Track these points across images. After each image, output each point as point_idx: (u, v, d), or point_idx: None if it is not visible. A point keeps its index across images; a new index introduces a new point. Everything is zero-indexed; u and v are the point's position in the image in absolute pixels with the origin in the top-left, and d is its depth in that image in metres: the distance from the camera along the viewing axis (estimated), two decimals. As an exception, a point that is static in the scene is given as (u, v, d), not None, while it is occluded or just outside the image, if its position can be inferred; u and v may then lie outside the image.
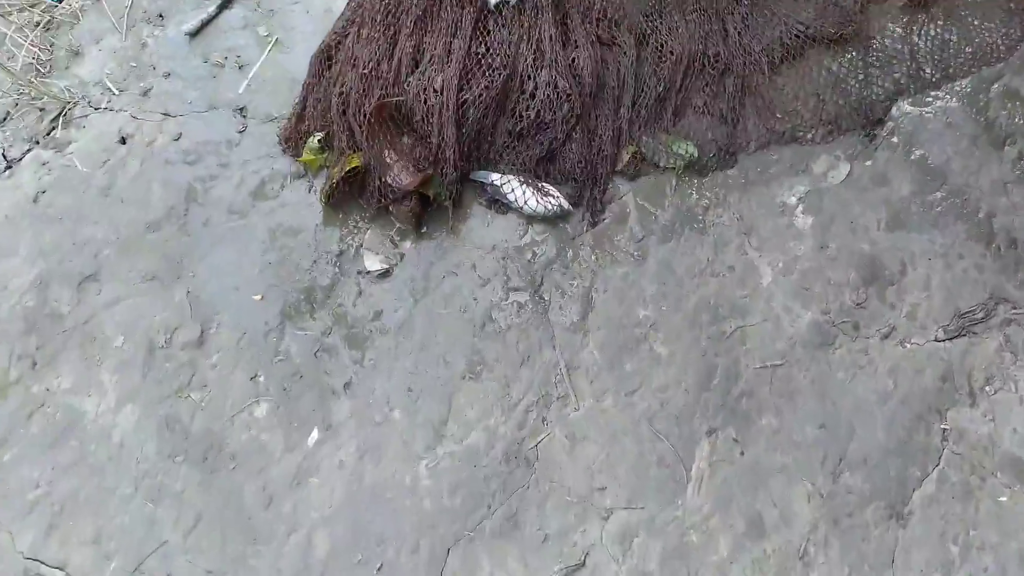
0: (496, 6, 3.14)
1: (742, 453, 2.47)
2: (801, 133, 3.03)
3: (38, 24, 3.61)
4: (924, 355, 2.58)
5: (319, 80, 3.18)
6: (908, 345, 2.60)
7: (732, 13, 3.20)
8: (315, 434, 2.57)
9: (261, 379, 2.66)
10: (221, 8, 3.56)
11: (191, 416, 2.61)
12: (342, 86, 3.02)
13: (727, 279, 2.76)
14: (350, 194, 2.96)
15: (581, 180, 2.99)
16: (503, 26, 3.15)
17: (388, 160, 2.84)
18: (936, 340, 2.60)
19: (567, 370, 2.63)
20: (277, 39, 3.45)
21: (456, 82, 2.91)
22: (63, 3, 3.70)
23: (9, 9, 3.61)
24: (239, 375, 2.67)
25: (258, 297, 2.80)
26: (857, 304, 2.68)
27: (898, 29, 3.19)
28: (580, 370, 2.63)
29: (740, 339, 2.65)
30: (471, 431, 2.55)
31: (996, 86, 3.05)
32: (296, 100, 3.20)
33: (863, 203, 2.86)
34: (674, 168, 2.97)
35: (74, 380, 2.69)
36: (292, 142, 3.12)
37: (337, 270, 2.85)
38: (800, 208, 2.87)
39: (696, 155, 2.97)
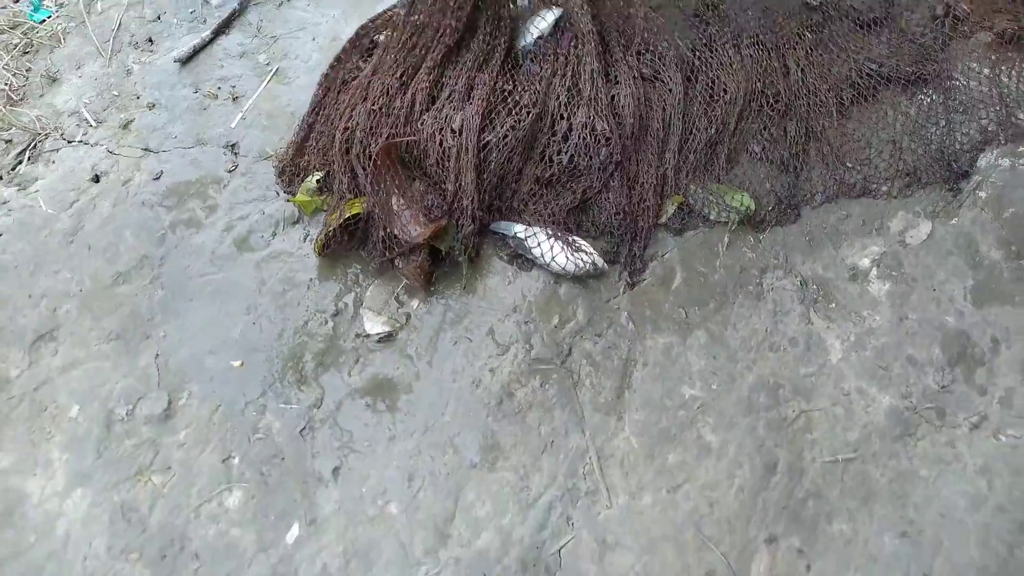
0: (527, 47, 3.00)
1: (808, 567, 2.20)
2: (875, 186, 2.82)
3: (15, 47, 3.50)
4: (1023, 451, 2.31)
5: (328, 108, 3.02)
6: (1003, 438, 2.34)
7: (794, 48, 3.03)
8: (295, 530, 2.32)
9: (235, 461, 2.43)
10: (217, 33, 3.44)
11: (151, 505, 2.37)
12: (349, 120, 2.85)
13: (789, 354, 2.52)
14: (349, 245, 2.78)
15: (618, 234, 2.78)
16: (533, 60, 3.00)
17: (395, 208, 2.65)
18: (1037, 433, 2.35)
19: (598, 460, 2.38)
20: (278, 69, 3.32)
21: (478, 121, 2.74)
22: (44, 24, 3.59)
23: (-15, 31, 3.51)
24: (210, 456, 2.44)
25: (237, 364, 2.59)
26: (942, 387, 2.43)
27: (985, 69, 3.01)
28: (613, 460, 2.38)
29: (805, 427, 2.40)
30: (481, 532, 2.29)
31: (1101, 134, 2.84)
32: (298, 127, 3.04)
33: (947, 268, 2.64)
34: (727, 223, 2.76)
35: (17, 456, 2.47)
36: (288, 177, 2.96)
37: (332, 332, 2.64)
38: (874, 272, 2.65)
39: (752, 208, 2.76)
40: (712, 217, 2.79)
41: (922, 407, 2.40)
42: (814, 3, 3.25)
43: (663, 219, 2.81)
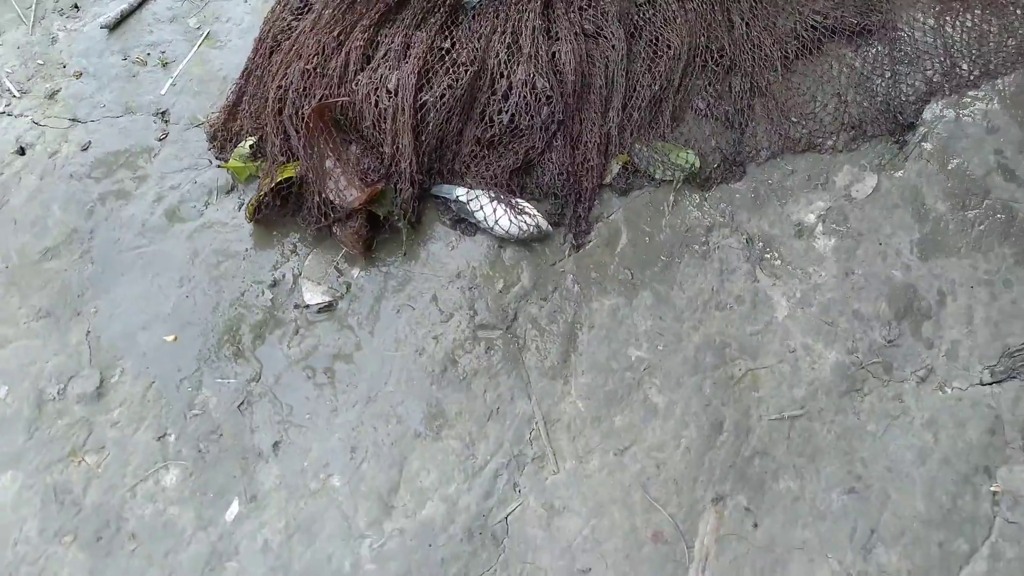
0: (475, 4, 2.93)
1: (755, 525, 2.19)
2: (820, 139, 2.80)
3: (-68, 16, 3.34)
4: (968, 402, 2.33)
5: (261, 70, 2.92)
6: (949, 390, 2.35)
7: (739, 1, 2.96)
8: (235, 507, 2.27)
9: (171, 439, 2.37)
10: (145, -3, 3.31)
11: (84, 485, 2.30)
12: (283, 79, 2.76)
13: (735, 313, 2.50)
14: (283, 211, 2.70)
15: (563, 195, 2.73)
16: (474, 17, 2.92)
17: (330, 172, 2.57)
18: (982, 384, 2.35)
19: (545, 425, 2.35)
20: (209, 32, 3.21)
21: (414, 81, 2.66)
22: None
23: None
24: (144, 434, 2.38)
25: (171, 338, 2.51)
26: (889, 342, 2.43)
27: (929, 20, 2.98)
28: (560, 424, 2.36)
29: (751, 385, 2.38)
30: (426, 501, 2.26)
31: (1045, 84, 2.84)
32: (231, 90, 2.95)
33: (893, 222, 2.62)
34: (672, 181, 2.72)
35: (-57, 441, 2.39)
36: (220, 142, 2.87)
37: (270, 304, 2.57)
38: (820, 228, 2.63)
39: (698, 165, 2.72)
40: (657, 176, 2.74)
41: (868, 362, 2.40)
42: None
43: (608, 179, 2.76)
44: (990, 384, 2.35)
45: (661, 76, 2.84)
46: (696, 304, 2.52)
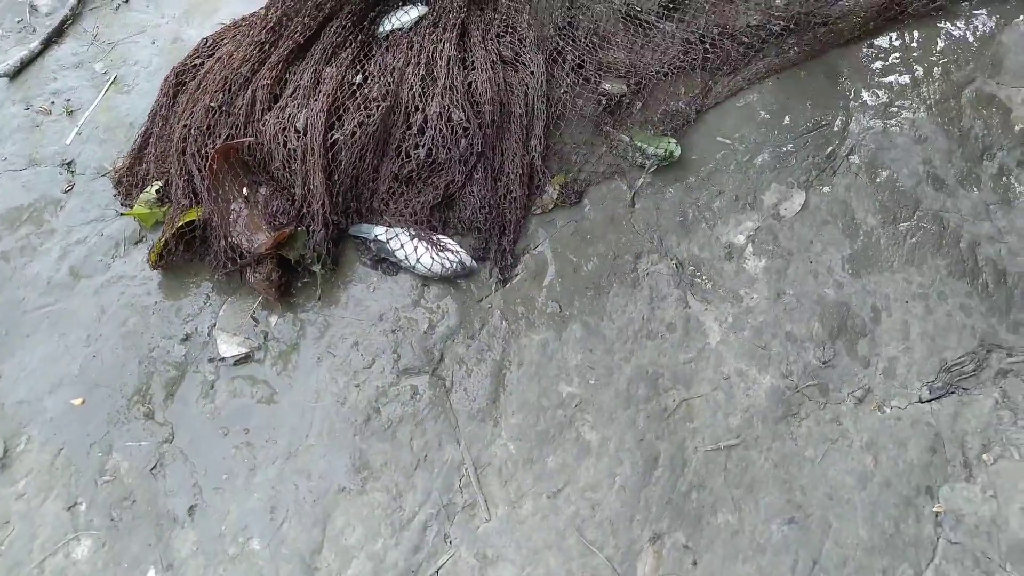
0: (387, 35, 2.87)
1: (695, 563, 2.13)
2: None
3: None
4: (907, 421, 2.30)
5: (166, 110, 2.84)
6: (887, 410, 2.32)
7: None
8: (150, 577, 2.16)
9: (82, 508, 2.25)
10: (48, 43, 3.22)
11: (-14, 566, 2.19)
12: (188, 118, 2.67)
13: (667, 341, 2.45)
14: (188, 256, 2.62)
15: (486, 229, 2.66)
16: (387, 49, 2.86)
17: (237, 215, 2.49)
18: (920, 401, 2.33)
19: (475, 470, 2.28)
20: (116, 77, 3.12)
21: (324, 119, 2.59)
22: None
23: None
24: (53, 504, 2.26)
25: (78, 401, 2.41)
26: (824, 363, 2.39)
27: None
28: (491, 469, 2.28)
29: (686, 415, 2.33)
30: (352, 560, 2.16)
31: (967, 91, 2.84)
32: (137, 134, 2.86)
33: (823, 239, 2.60)
34: (642, 167, 2.78)
35: None
36: (125, 188, 2.78)
37: (183, 359, 2.48)
38: (750, 249, 2.60)
39: (677, 154, 2.75)
40: (638, 162, 2.78)
41: (804, 385, 2.36)
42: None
43: (550, 206, 2.70)
44: (929, 401, 2.32)
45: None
46: (627, 334, 2.47)
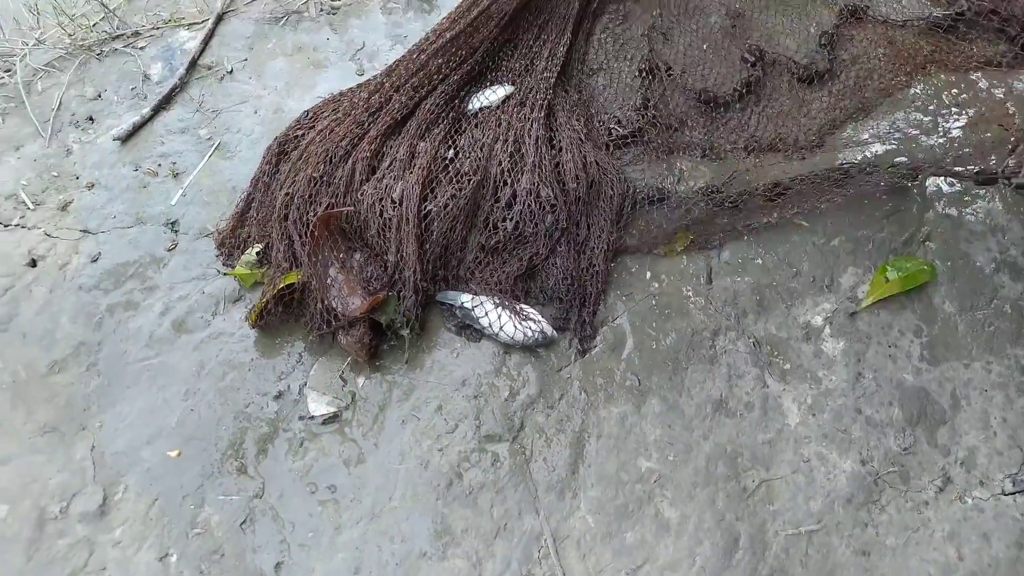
0: (476, 112, 2.93)
1: (775, 648, 2.05)
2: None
3: (-45, 130, 3.35)
4: (990, 513, 2.20)
5: (269, 177, 2.89)
6: (969, 500, 2.22)
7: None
8: (235, 634, 2.14)
9: (173, 559, 2.24)
10: (158, 109, 3.31)
11: (83, 611, 2.18)
12: (290, 186, 2.73)
13: (745, 420, 2.39)
14: (285, 317, 2.63)
15: (567, 300, 2.64)
16: (476, 125, 2.90)
17: (334, 279, 2.51)
18: (1004, 493, 2.22)
19: (554, 542, 2.22)
20: (219, 143, 3.19)
21: (418, 191, 2.61)
22: (-16, 106, 3.45)
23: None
24: (147, 554, 2.25)
25: (174, 453, 2.41)
26: (904, 449, 2.31)
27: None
28: (570, 541, 2.22)
29: (766, 497, 2.26)
30: (433, 626, 2.12)
31: (1043, 181, 2.78)
32: (240, 198, 2.91)
33: (901, 323, 2.54)
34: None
35: (-62, 567, 2.27)
36: (227, 249, 2.81)
37: (274, 416, 2.47)
38: (828, 330, 2.54)
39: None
40: None
41: (884, 471, 2.27)
42: (751, 58, 3.20)
43: (679, 248, 2.75)
44: (1012, 494, 2.22)
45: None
46: (705, 411, 2.41)
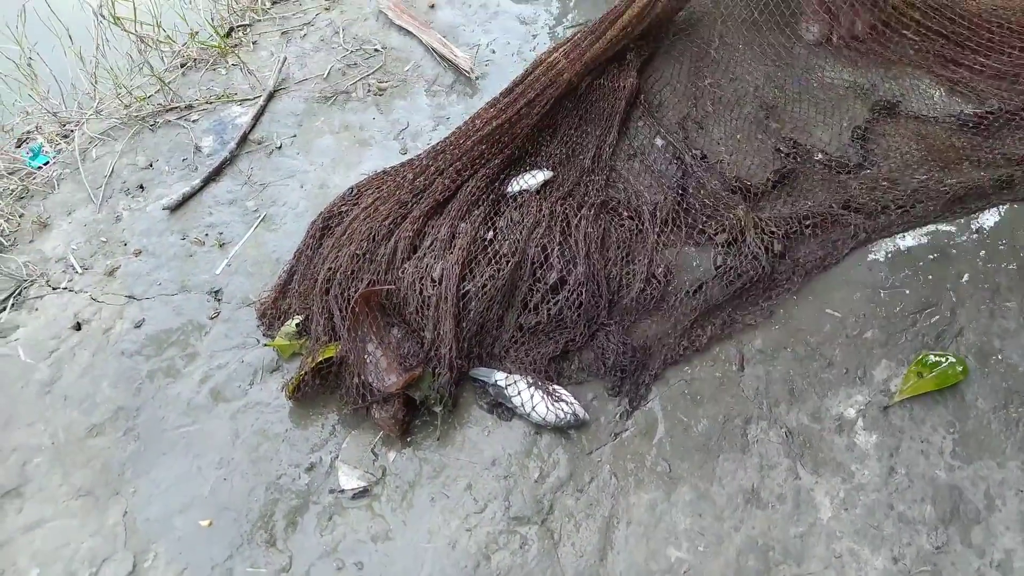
0: (515, 195, 2.99)
1: None
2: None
3: (11, 192, 3.45)
4: (1027, 619, 2.13)
5: (312, 251, 2.95)
6: (1005, 604, 2.15)
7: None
8: None
9: (199, 632, 2.22)
10: (207, 181, 3.40)
11: None
12: (333, 261, 2.78)
13: (777, 512, 2.35)
14: (322, 390, 2.64)
15: (628, 367, 2.66)
16: (515, 208, 2.96)
17: (371, 355, 2.53)
18: (1041, 599, 2.15)
19: (581, 630, 2.18)
20: (265, 216, 3.26)
21: (458, 271, 2.66)
22: (41, 170, 3.56)
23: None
24: (173, 626, 2.23)
25: (206, 523, 2.40)
26: (937, 548, 2.26)
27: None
28: (597, 630, 2.18)
29: (797, 593, 2.20)
30: None
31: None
32: (283, 270, 2.96)
33: (934, 419, 2.50)
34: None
35: (-33, 630, 2.27)
36: (268, 320, 2.85)
37: (305, 488, 2.47)
38: (860, 423, 2.51)
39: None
40: None
41: (917, 570, 2.22)
42: (784, 149, 3.24)
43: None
44: (1049, 600, 2.16)
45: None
46: (736, 502, 2.38)
